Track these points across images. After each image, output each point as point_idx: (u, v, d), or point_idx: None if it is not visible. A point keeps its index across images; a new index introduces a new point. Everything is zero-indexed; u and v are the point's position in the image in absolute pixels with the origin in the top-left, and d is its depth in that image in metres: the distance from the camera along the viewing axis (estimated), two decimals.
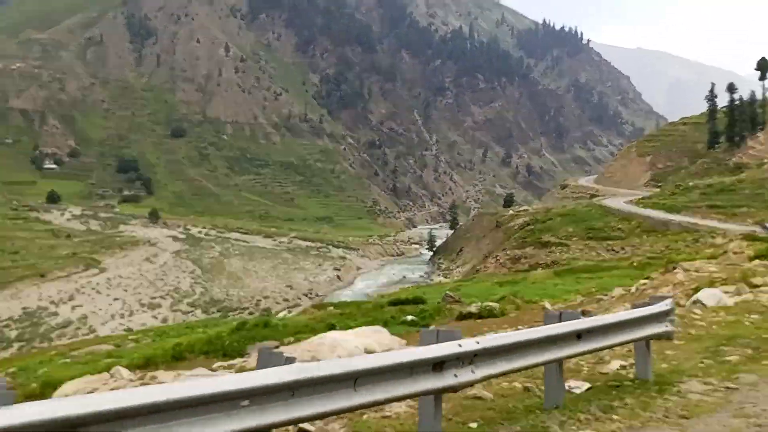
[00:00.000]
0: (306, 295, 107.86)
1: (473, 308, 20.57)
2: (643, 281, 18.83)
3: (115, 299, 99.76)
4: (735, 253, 28.14)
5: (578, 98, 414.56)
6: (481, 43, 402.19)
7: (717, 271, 17.16)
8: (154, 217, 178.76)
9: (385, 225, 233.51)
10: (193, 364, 16.28)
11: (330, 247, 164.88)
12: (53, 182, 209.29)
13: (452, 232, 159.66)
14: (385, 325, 21.29)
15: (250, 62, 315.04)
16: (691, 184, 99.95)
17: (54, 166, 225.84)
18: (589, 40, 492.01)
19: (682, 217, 76.04)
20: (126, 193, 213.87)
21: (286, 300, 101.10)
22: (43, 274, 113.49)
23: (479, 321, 18.43)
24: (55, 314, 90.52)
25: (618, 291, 18.71)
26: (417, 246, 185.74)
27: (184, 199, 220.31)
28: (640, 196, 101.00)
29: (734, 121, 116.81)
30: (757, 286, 14.56)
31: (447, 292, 28.81)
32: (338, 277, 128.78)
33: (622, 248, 72.58)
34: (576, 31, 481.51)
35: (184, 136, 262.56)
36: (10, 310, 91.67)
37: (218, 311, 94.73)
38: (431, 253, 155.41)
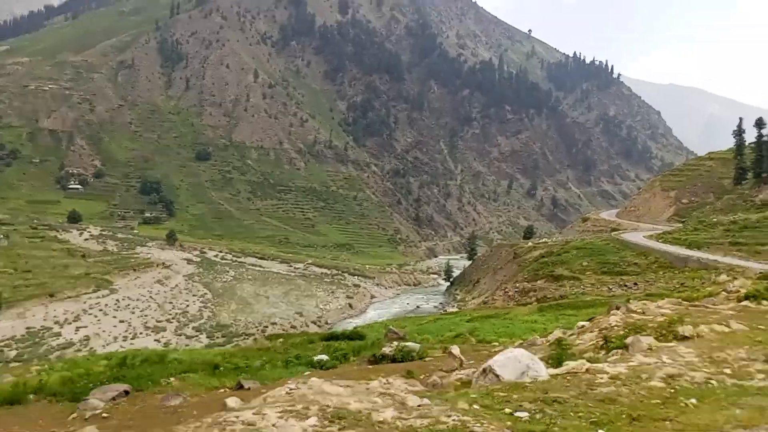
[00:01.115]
0: (314, 323, 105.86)
1: (387, 350, 18.45)
2: (582, 323, 16.55)
3: (121, 321, 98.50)
4: (729, 291, 25.74)
5: (607, 132, 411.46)
6: (510, 74, 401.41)
7: (670, 314, 14.82)
8: (171, 240, 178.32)
9: (405, 254, 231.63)
10: (14, 411, 14.21)
11: (345, 274, 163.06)
12: (76, 202, 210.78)
13: (470, 263, 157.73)
14: (286, 365, 19.29)
15: (279, 88, 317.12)
16: (714, 220, 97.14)
17: (78, 186, 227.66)
18: (619, 74, 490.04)
19: (703, 254, 73.53)
20: (147, 214, 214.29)
21: (293, 327, 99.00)
22: (53, 294, 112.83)
23: (389, 365, 16.33)
24: (58, 335, 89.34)
25: (557, 333, 16.47)
26: (436, 276, 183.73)
27: (205, 222, 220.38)
28: (661, 231, 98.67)
29: (762, 157, 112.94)
30: (684, 338, 11.94)
31: (390, 327, 26.56)
32: (350, 305, 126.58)
33: (635, 284, 70.43)
34: (606, 65, 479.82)
35: (208, 160, 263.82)
36: (14, 329, 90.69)
37: (223, 336, 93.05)
38: (448, 283, 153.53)
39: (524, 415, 7.59)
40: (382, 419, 7.50)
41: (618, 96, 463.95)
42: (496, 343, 20.37)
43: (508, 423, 7.29)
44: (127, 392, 14.60)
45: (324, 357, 19.70)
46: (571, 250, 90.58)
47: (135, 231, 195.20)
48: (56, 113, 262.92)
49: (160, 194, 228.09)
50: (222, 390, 15.16)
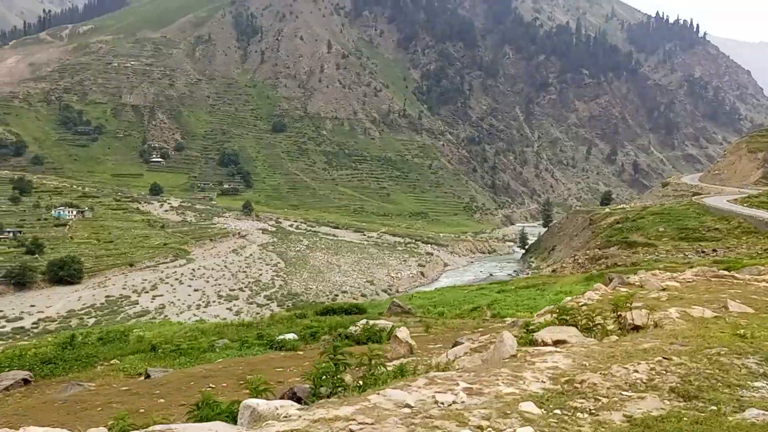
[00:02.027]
0: (385, 291, 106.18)
1: (353, 329, 17.56)
2: (568, 299, 15.13)
3: (195, 290, 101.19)
4: None
5: (691, 93, 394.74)
6: (588, 37, 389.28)
7: (673, 291, 13.04)
8: (247, 210, 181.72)
9: (481, 222, 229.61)
10: None
11: (418, 243, 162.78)
12: (158, 175, 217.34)
13: (545, 230, 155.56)
14: (241, 347, 18.64)
15: (352, 58, 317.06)
16: None
17: (160, 159, 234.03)
18: (705, 33, 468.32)
19: None
20: (225, 186, 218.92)
21: (363, 296, 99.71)
22: (132, 263, 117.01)
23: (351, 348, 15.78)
24: (135, 303, 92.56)
25: (548, 308, 15.14)
26: (511, 243, 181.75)
27: (281, 192, 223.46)
28: (746, 195, 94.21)
29: None
30: (633, 328, 9.18)
31: (394, 300, 25.66)
32: (422, 273, 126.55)
33: (714, 250, 67.50)
34: (691, 24, 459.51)
35: (284, 131, 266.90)
36: (95, 297, 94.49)
37: (293, 305, 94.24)
38: (524, 251, 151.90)
39: None
40: None
41: (704, 56, 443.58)
42: (508, 319, 19.68)
43: None
44: (26, 380, 14.24)
45: (291, 336, 19.09)
46: (648, 216, 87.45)
47: (213, 202, 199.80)
48: (138, 89, 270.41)
49: (237, 166, 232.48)
50: (138, 378, 14.85)
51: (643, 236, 78.70)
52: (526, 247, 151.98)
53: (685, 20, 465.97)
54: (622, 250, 76.58)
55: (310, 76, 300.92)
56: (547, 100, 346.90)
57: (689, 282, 14.45)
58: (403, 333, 12.45)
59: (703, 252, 68.32)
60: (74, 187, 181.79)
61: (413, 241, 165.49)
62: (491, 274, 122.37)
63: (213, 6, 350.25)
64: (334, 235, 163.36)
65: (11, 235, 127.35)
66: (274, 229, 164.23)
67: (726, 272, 16.92)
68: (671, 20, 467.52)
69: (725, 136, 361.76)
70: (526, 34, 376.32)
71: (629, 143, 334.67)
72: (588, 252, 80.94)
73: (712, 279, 14.78)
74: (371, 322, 18.65)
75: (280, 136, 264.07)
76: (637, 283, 14.55)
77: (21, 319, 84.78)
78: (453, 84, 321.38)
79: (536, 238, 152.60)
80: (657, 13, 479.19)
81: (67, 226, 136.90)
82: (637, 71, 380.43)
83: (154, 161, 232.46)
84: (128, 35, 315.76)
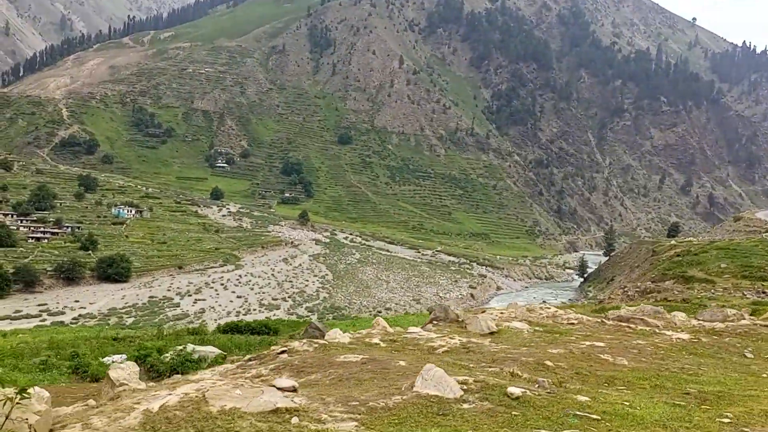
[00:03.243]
0: (430, 312, 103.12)
1: (166, 357, 15.13)
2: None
3: (238, 297, 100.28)
4: None
5: None
6: (668, 64, 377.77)
7: (496, 338, 10.21)
8: (302, 220, 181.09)
9: (543, 247, 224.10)
10: None
11: (473, 264, 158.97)
12: (221, 179, 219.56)
13: (606, 259, 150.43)
14: (35, 369, 16.19)
15: (423, 74, 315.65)
16: None
17: (225, 165, 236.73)
18: None
19: None
20: (286, 195, 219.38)
21: (407, 313, 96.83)
22: (182, 266, 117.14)
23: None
24: (177, 305, 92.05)
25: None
26: (571, 271, 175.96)
27: (341, 204, 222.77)
28: None
29: None
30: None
31: (312, 322, 22.80)
32: (472, 295, 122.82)
33: None
34: None
35: (349, 144, 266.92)
36: (138, 297, 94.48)
37: (334, 318, 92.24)
38: (582, 279, 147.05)
39: None
40: None
41: None
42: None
43: None
44: None
45: (117, 358, 16.69)
46: (712, 251, 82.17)
47: (272, 210, 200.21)
48: (209, 95, 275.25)
49: (300, 175, 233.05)
50: None
51: (703, 271, 73.84)
52: (585, 275, 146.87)
53: None
54: (677, 285, 71.89)
55: (379, 90, 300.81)
56: (621, 126, 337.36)
57: (571, 324, 11.64)
58: (118, 373, 8.32)
59: (763, 293, 63.49)
60: (138, 187, 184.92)
61: (468, 261, 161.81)
62: (544, 301, 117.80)
63: (290, 17, 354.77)
64: (387, 251, 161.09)
65: (69, 230, 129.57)
66: (327, 240, 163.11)
67: (667, 313, 14.24)
68: (758, 50, 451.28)
69: None
70: (603, 58, 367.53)
71: (706, 175, 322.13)
72: (639, 285, 76.57)
73: (608, 323, 12.07)
74: (192, 348, 16.17)
75: (345, 148, 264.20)
76: (464, 321, 11.80)
77: (63, 313, 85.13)
78: (524, 105, 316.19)
79: (596, 267, 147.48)
80: (744, 43, 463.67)
81: (124, 225, 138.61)
82: (718, 101, 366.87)
83: (219, 166, 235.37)
84: (206, 42, 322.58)
